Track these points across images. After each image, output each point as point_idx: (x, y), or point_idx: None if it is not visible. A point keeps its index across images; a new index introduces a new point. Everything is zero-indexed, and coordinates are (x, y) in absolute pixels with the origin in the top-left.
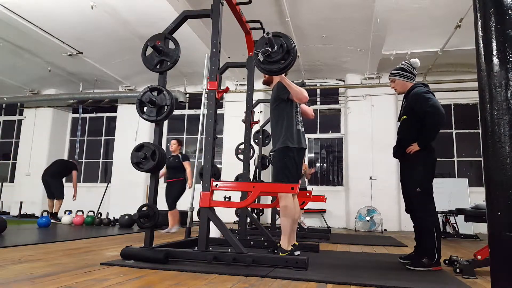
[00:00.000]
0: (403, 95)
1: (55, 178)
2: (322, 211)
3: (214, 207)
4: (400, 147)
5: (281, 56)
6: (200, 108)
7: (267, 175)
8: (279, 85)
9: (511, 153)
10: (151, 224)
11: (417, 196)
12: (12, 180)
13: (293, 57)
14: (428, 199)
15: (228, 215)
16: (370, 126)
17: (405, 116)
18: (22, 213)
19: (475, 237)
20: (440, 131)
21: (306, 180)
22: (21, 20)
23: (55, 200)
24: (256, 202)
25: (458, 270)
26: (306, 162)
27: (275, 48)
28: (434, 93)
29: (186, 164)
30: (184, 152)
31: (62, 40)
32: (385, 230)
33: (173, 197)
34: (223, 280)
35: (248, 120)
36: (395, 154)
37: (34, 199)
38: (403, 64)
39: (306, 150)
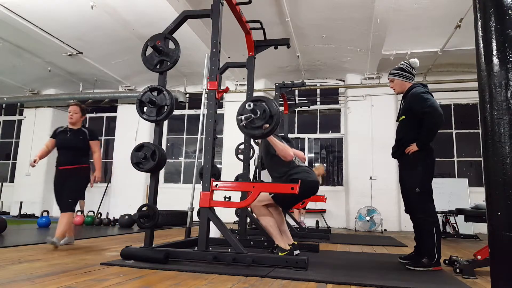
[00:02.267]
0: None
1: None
2: (322, 211)
3: (214, 207)
4: (398, 147)
5: (265, 121)
6: (200, 108)
7: (267, 175)
8: (265, 141)
9: (511, 153)
10: (151, 224)
11: (416, 197)
12: (12, 180)
13: (277, 122)
14: (428, 199)
15: (228, 215)
16: (370, 126)
17: (403, 117)
18: (22, 213)
19: (475, 237)
20: (440, 131)
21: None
22: (21, 20)
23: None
24: None
25: (458, 270)
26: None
27: (258, 114)
28: (434, 93)
29: (94, 145)
30: (90, 130)
31: (62, 40)
32: (385, 230)
33: (76, 193)
34: (223, 280)
35: None
36: (394, 155)
37: (34, 199)
38: (402, 64)
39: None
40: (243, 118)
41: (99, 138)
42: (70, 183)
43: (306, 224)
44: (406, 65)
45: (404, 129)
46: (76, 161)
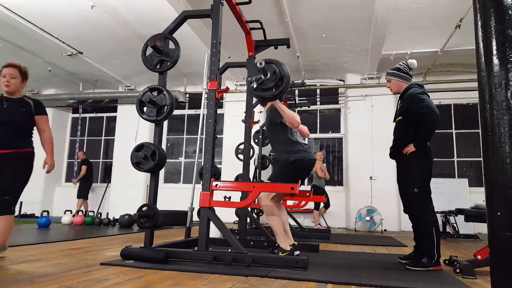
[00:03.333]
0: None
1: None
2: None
3: (214, 207)
4: (396, 148)
5: (275, 83)
6: (200, 108)
7: (267, 175)
8: (272, 108)
9: (511, 153)
10: (151, 224)
11: (415, 197)
12: None
13: (286, 84)
14: (426, 199)
15: (228, 215)
16: (370, 126)
17: (400, 117)
18: (22, 213)
19: (475, 237)
20: (440, 131)
21: (323, 180)
22: (21, 20)
23: (82, 200)
24: (256, 202)
25: (458, 270)
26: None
27: (268, 75)
28: (434, 93)
29: (42, 122)
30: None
31: (62, 40)
32: (385, 230)
33: (15, 189)
34: (223, 280)
35: (248, 120)
36: (392, 155)
37: (34, 199)
38: (399, 65)
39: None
40: (253, 80)
41: (47, 113)
42: (6, 175)
43: (306, 224)
44: (403, 66)
45: (401, 130)
46: (15, 143)
